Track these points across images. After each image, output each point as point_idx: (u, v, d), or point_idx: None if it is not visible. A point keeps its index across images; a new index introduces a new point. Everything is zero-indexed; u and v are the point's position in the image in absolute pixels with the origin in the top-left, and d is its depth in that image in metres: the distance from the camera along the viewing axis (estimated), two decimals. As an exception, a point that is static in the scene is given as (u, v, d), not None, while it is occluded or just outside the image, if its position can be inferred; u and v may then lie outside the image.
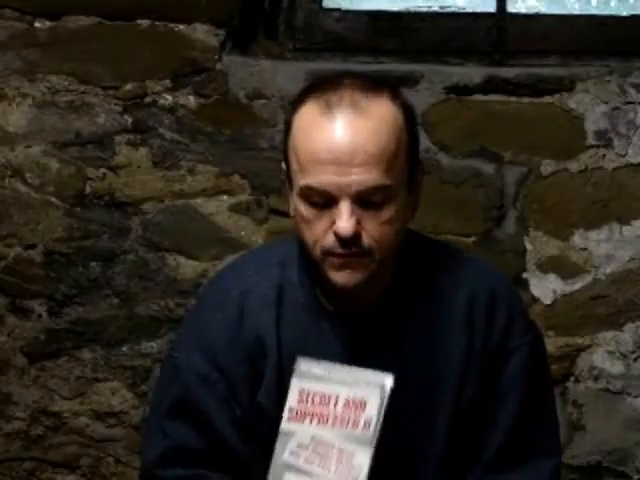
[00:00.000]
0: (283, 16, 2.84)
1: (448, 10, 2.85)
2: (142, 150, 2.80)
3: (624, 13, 2.85)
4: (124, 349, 2.87)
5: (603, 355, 2.80)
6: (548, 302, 2.78)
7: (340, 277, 1.61)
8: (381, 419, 1.56)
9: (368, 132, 1.56)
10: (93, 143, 2.81)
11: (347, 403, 1.57)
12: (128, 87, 2.79)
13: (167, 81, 2.78)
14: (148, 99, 2.79)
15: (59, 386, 2.89)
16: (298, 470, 1.57)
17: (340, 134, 1.55)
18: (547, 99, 2.74)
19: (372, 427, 1.55)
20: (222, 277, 1.81)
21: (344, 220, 1.55)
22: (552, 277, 2.78)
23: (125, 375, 2.88)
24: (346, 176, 1.54)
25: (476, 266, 1.79)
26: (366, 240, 1.58)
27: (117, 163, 2.81)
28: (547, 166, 2.76)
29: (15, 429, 2.92)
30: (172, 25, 2.76)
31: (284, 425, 1.58)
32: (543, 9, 2.87)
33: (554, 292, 2.78)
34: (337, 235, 1.56)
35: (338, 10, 2.84)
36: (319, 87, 1.63)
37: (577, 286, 2.78)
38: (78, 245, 2.84)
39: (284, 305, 1.69)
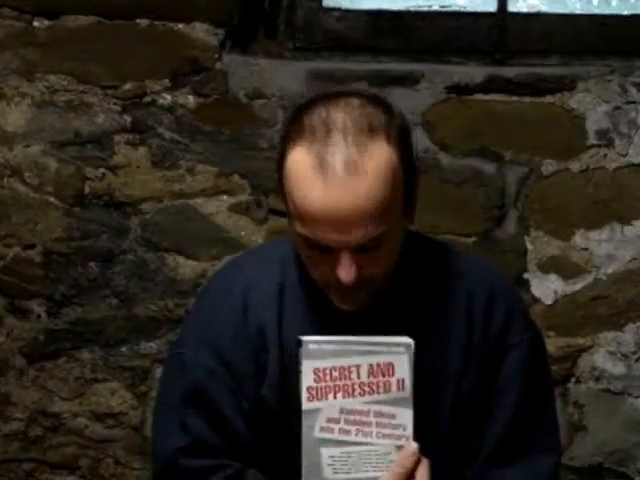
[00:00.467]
0: (283, 15, 2.83)
1: (449, 9, 2.85)
2: (141, 150, 2.80)
3: (625, 12, 2.86)
4: (123, 349, 2.86)
5: (604, 355, 2.79)
6: (549, 302, 2.78)
7: (344, 304, 1.64)
8: (412, 377, 1.59)
9: (365, 192, 1.51)
10: (92, 143, 2.80)
11: (371, 370, 1.59)
12: (127, 87, 2.78)
13: (166, 80, 2.77)
14: (147, 99, 2.78)
15: (58, 387, 2.89)
16: (335, 442, 1.59)
17: (336, 199, 1.51)
18: (548, 99, 2.74)
19: (407, 386, 1.59)
20: (223, 274, 1.81)
21: (345, 271, 1.56)
22: (553, 277, 2.78)
23: (124, 376, 2.87)
24: (344, 234, 1.53)
25: (476, 264, 1.81)
26: (368, 275, 1.59)
27: (116, 163, 2.81)
28: (548, 166, 2.75)
29: (14, 430, 2.91)
30: (171, 24, 2.75)
31: (305, 405, 1.59)
32: (544, 8, 2.87)
33: (555, 292, 2.78)
34: (337, 279, 1.57)
35: (338, 9, 2.84)
36: (310, 125, 1.54)
37: (578, 286, 2.78)
38: (77, 245, 2.83)
39: (285, 301, 1.70)
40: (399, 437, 1.59)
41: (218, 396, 1.69)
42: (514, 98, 2.74)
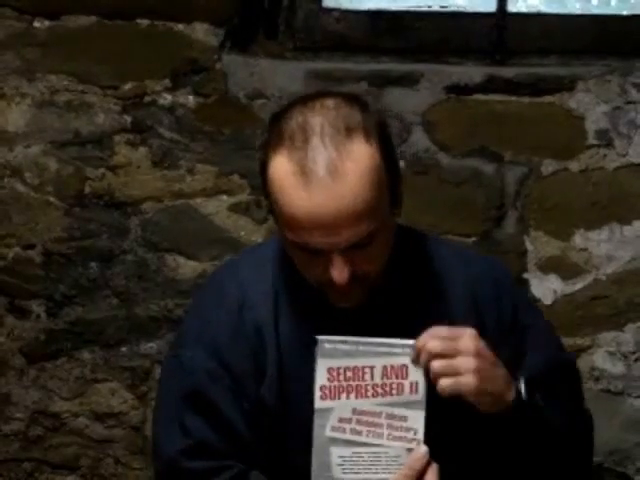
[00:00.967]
0: (283, 15, 2.83)
1: (448, 9, 2.84)
2: (141, 150, 2.80)
3: (625, 12, 2.85)
4: (123, 350, 2.87)
5: (604, 356, 2.80)
6: (548, 302, 2.78)
7: (339, 302, 1.64)
8: (426, 380, 1.59)
9: (349, 195, 1.51)
10: (92, 143, 2.81)
11: (385, 372, 1.59)
12: (127, 87, 2.78)
13: (166, 81, 2.77)
14: (147, 99, 2.78)
15: (58, 387, 2.89)
16: (346, 442, 1.60)
17: (320, 203, 1.51)
18: (547, 99, 2.74)
19: (420, 389, 1.59)
20: (219, 274, 1.82)
21: (337, 271, 1.56)
22: (552, 277, 2.78)
23: (124, 376, 2.88)
24: (333, 237, 1.54)
25: (467, 251, 1.88)
26: (361, 273, 1.59)
27: (116, 163, 2.81)
28: (547, 166, 2.75)
29: (14, 430, 2.92)
30: (171, 24, 2.75)
31: (318, 404, 1.60)
32: (543, 8, 2.87)
33: (554, 292, 2.78)
34: (332, 280, 1.58)
35: (338, 10, 2.83)
36: (289, 132, 1.55)
37: (578, 286, 2.78)
38: (77, 245, 2.84)
39: (281, 301, 1.71)
40: (410, 440, 1.59)
41: (218, 397, 1.69)
42: (514, 98, 2.74)
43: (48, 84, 2.79)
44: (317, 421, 1.60)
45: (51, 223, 2.84)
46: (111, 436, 2.91)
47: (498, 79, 2.74)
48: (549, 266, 2.78)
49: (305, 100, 1.60)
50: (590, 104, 2.73)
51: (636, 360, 2.80)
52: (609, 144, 2.74)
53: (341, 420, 1.60)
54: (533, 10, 2.86)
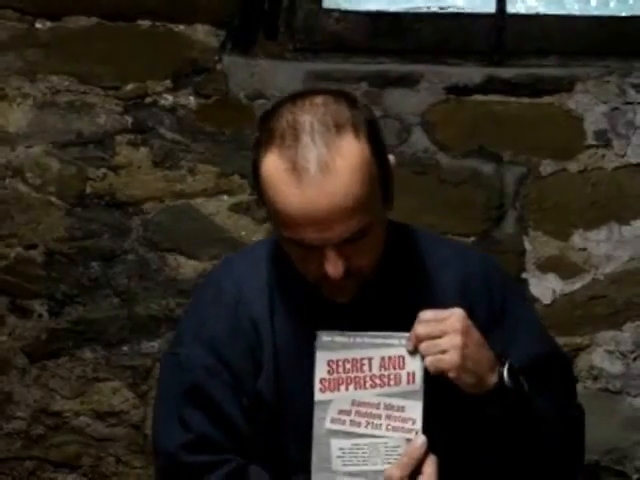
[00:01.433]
0: (283, 16, 2.84)
1: (447, 10, 2.85)
2: (143, 150, 2.80)
3: (623, 13, 2.86)
4: (125, 349, 2.87)
5: (602, 355, 2.80)
6: (547, 302, 2.79)
7: (335, 297, 1.66)
8: (423, 370, 1.60)
9: (340, 190, 1.53)
10: (94, 143, 2.81)
11: (383, 363, 1.61)
12: (129, 87, 2.79)
13: (167, 81, 2.78)
14: (149, 99, 2.79)
15: (60, 386, 2.89)
16: (345, 434, 1.61)
17: (312, 199, 1.53)
18: (546, 99, 2.74)
19: (418, 379, 1.60)
20: (215, 273, 1.84)
21: (332, 265, 1.58)
22: (551, 277, 2.78)
23: (126, 375, 2.88)
24: (326, 232, 1.55)
25: (458, 246, 1.91)
26: (355, 268, 1.61)
27: (118, 163, 2.81)
28: (546, 166, 2.76)
29: (16, 429, 2.92)
30: (172, 25, 2.76)
31: (318, 396, 1.62)
32: (542, 9, 2.87)
33: (553, 292, 2.79)
34: (327, 275, 1.59)
35: (338, 10, 2.84)
36: (279, 130, 1.56)
37: (576, 286, 2.79)
38: (79, 245, 2.84)
39: (276, 297, 1.72)
40: (408, 430, 1.60)
41: (217, 393, 1.70)
42: (513, 99, 2.75)
43: (50, 85, 2.80)
44: (317, 413, 1.61)
45: (53, 223, 2.84)
46: (112, 435, 2.91)
47: (497, 80, 2.74)
48: (548, 266, 2.78)
49: (294, 98, 1.61)
50: (589, 105, 2.74)
51: (635, 359, 2.80)
52: (608, 144, 2.74)
53: (340, 412, 1.61)
54: (532, 11, 2.87)
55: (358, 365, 1.62)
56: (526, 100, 2.75)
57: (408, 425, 1.60)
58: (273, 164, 1.56)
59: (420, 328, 1.60)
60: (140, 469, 2.91)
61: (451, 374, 1.58)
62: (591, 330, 2.79)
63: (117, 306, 2.86)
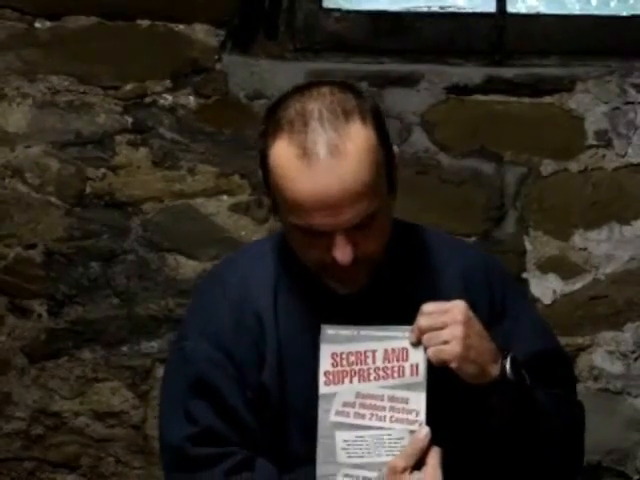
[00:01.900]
0: (283, 16, 2.84)
1: (448, 10, 2.85)
2: (142, 150, 2.80)
3: (624, 13, 2.86)
4: (124, 349, 2.87)
5: (603, 355, 2.80)
6: (548, 302, 2.79)
7: (341, 287, 1.67)
8: (426, 362, 1.61)
9: (350, 173, 1.56)
10: (93, 143, 2.81)
11: (386, 355, 1.62)
12: (128, 87, 2.79)
13: (167, 81, 2.78)
14: (148, 99, 2.79)
15: (59, 386, 2.89)
16: (350, 426, 1.62)
17: (323, 183, 1.55)
18: (547, 99, 2.75)
19: (421, 371, 1.61)
20: (218, 269, 1.85)
21: (340, 251, 1.59)
22: (552, 277, 2.78)
23: (125, 375, 2.88)
24: (336, 217, 1.57)
25: (460, 243, 1.94)
26: (363, 254, 1.62)
27: (117, 163, 2.81)
28: (547, 166, 2.76)
29: (15, 429, 2.92)
30: (172, 25, 2.76)
31: (322, 389, 1.63)
32: (543, 9, 2.87)
33: (554, 292, 2.79)
34: (334, 261, 1.60)
35: (338, 10, 2.84)
36: (288, 118, 1.59)
37: (577, 286, 2.79)
38: (78, 245, 2.84)
39: (280, 291, 1.73)
40: (412, 422, 1.61)
41: (221, 385, 1.70)
42: (513, 99, 2.75)
43: (49, 85, 2.79)
44: (321, 406, 1.62)
45: (52, 223, 2.84)
46: (112, 435, 2.91)
47: (498, 80, 2.74)
48: (548, 266, 2.78)
49: (300, 89, 1.64)
50: (589, 105, 2.74)
51: (635, 359, 2.80)
52: (608, 144, 2.75)
53: (345, 404, 1.62)
54: (533, 11, 2.87)
55: (362, 358, 1.63)
56: (527, 100, 2.75)
57: (412, 417, 1.61)
58: (283, 152, 1.58)
59: (422, 320, 1.61)
60: (140, 469, 2.91)
61: (453, 364, 1.59)
62: (592, 330, 2.79)
63: (116, 306, 2.86)
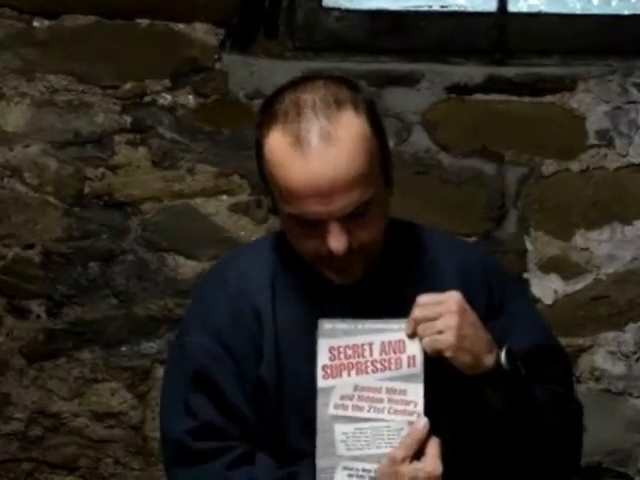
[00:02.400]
0: (283, 15, 2.83)
1: (449, 9, 2.85)
2: (141, 150, 2.80)
3: (625, 12, 2.86)
4: (123, 349, 2.87)
5: (604, 356, 2.80)
6: (549, 302, 2.78)
7: (337, 278, 1.68)
8: (423, 353, 1.62)
9: (343, 160, 1.58)
10: (92, 143, 2.81)
11: (383, 348, 1.63)
12: (127, 86, 2.78)
13: (166, 80, 2.77)
14: (147, 98, 2.78)
15: (58, 387, 2.89)
16: (348, 419, 1.63)
17: (316, 169, 1.58)
18: (548, 99, 2.74)
19: (418, 362, 1.62)
20: (217, 266, 1.87)
21: (335, 239, 1.61)
22: (553, 277, 2.78)
23: (124, 376, 2.87)
24: (329, 204, 1.59)
25: (458, 240, 1.96)
26: (358, 245, 1.63)
27: (116, 163, 2.81)
28: (548, 166, 2.76)
29: (14, 430, 2.91)
30: (171, 24, 2.76)
31: (321, 383, 1.64)
32: (544, 8, 2.87)
33: (555, 292, 2.78)
34: (330, 251, 1.62)
35: (338, 9, 2.84)
36: (282, 109, 1.62)
37: (578, 286, 2.78)
38: (77, 245, 2.83)
39: (278, 285, 1.74)
40: (410, 413, 1.62)
41: (221, 380, 1.71)
42: (514, 98, 2.75)
43: (48, 84, 2.79)
44: (320, 400, 1.63)
45: (51, 223, 2.83)
46: (110, 436, 2.90)
47: (499, 79, 2.74)
48: (550, 266, 2.78)
49: (295, 83, 1.67)
50: (591, 104, 2.73)
51: (637, 360, 2.80)
52: (610, 144, 2.74)
53: (343, 397, 1.63)
54: (534, 10, 2.87)
55: (359, 351, 1.64)
56: (528, 99, 2.74)
57: (410, 408, 1.62)
58: (276, 140, 1.61)
59: (418, 311, 1.63)
60: (139, 470, 2.91)
61: (448, 353, 1.61)
62: (593, 331, 2.79)
63: (115, 307, 2.85)
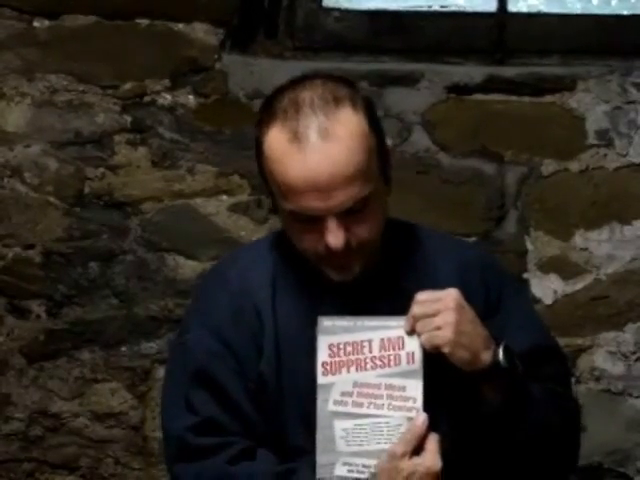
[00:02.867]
0: (283, 15, 2.84)
1: (448, 9, 2.85)
2: (141, 150, 2.80)
3: (625, 12, 2.86)
4: (123, 349, 2.87)
5: (604, 356, 2.80)
6: (549, 302, 2.78)
7: (336, 275, 1.70)
8: (422, 350, 1.63)
9: (341, 156, 1.60)
10: (92, 143, 2.81)
11: (382, 345, 1.65)
12: (127, 86, 2.78)
13: (166, 80, 2.77)
14: (147, 98, 2.78)
15: (58, 387, 2.89)
16: (348, 415, 1.64)
17: (315, 165, 1.60)
18: (548, 98, 2.74)
19: (417, 359, 1.64)
20: (218, 265, 1.89)
21: (333, 235, 1.63)
22: (553, 277, 2.78)
23: (124, 376, 2.87)
24: (328, 200, 1.61)
25: (457, 240, 1.98)
26: (356, 242, 1.65)
27: (116, 163, 2.81)
28: (548, 166, 2.76)
29: (14, 430, 2.91)
30: (171, 24, 2.76)
31: (320, 380, 1.65)
32: (544, 8, 2.87)
33: (555, 292, 2.78)
34: (328, 247, 1.64)
35: (338, 9, 2.84)
36: (281, 107, 1.65)
37: (578, 286, 2.78)
38: (77, 245, 2.83)
39: (278, 283, 1.76)
40: (410, 409, 1.63)
41: (222, 377, 1.73)
42: (514, 98, 2.75)
43: (48, 84, 2.79)
44: (320, 396, 1.65)
45: (51, 223, 2.83)
46: (111, 436, 2.90)
47: (498, 79, 2.74)
48: (549, 266, 2.78)
49: (294, 82, 1.69)
50: (590, 104, 2.73)
51: (636, 360, 2.80)
52: (609, 144, 2.74)
53: (343, 394, 1.64)
54: (533, 10, 2.87)
55: (359, 347, 1.65)
56: (527, 99, 2.74)
57: (409, 404, 1.63)
58: (275, 137, 1.64)
59: (416, 308, 1.64)
60: (139, 470, 2.91)
61: (445, 349, 1.62)
62: (593, 331, 2.79)
63: (116, 307, 2.85)
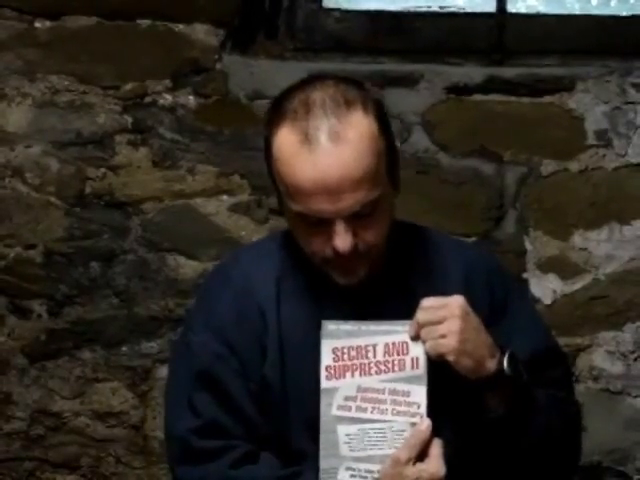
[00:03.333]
0: (283, 16, 2.84)
1: (448, 10, 2.85)
2: (142, 150, 2.80)
3: (624, 13, 2.86)
4: (124, 349, 2.87)
5: (603, 355, 2.80)
6: (548, 302, 2.79)
7: (342, 278, 1.69)
8: (426, 355, 1.63)
9: (350, 158, 1.59)
10: (93, 143, 2.81)
11: (387, 349, 1.64)
12: (128, 87, 2.79)
13: (167, 81, 2.78)
14: (148, 99, 2.79)
15: (59, 386, 2.89)
16: (351, 420, 1.64)
17: (324, 167, 1.59)
18: (547, 99, 2.74)
19: (421, 364, 1.63)
20: (222, 265, 1.87)
21: (341, 239, 1.62)
22: (552, 277, 2.78)
23: (125, 375, 2.88)
24: (336, 203, 1.60)
25: (462, 243, 1.98)
26: (363, 246, 1.64)
27: (117, 163, 2.81)
28: (547, 166, 2.76)
29: (15, 429, 2.92)
30: (172, 25, 2.76)
31: (324, 384, 1.65)
32: (543, 9, 2.87)
33: (554, 292, 2.78)
34: (335, 250, 1.63)
35: (338, 10, 2.84)
36: (291, 107, 1.63)
37: (577, 286, 2.78)
38: (78, 245, 2.84)
39: (283, 285, 1.75)
40: (413, 414, 1.63)
41: (225, 379, 1.72)
42: (513, 98, 2.75)
43: (49, 84, 2.79)
44: (323, 401, 1.64)
45: (52, 223, 2.84)
46: (112, 435, 2.91)
47: (498, 79, 2.74)
48: (549, 266, 2.78)
49: (304, 82, 1.68)
50: (589, 104, 2.73)
51: (635, 360, 2.80)
52: (608, 144, 2.74)
53: (346, 398, 1.64)
54: (532, 10, 2.87)
55: (363, 352, 1.65)
56: (526, 100, 2.75)
57: (413, 409, 1.63)
58: (285, 137, 1.62)
59: (421, 314, 1.64)
60: (140, 469, 2.91)
61: (450, 357, 1.62)
62: (592, 330, 2.79)
63: (116, 306, 2.86)
